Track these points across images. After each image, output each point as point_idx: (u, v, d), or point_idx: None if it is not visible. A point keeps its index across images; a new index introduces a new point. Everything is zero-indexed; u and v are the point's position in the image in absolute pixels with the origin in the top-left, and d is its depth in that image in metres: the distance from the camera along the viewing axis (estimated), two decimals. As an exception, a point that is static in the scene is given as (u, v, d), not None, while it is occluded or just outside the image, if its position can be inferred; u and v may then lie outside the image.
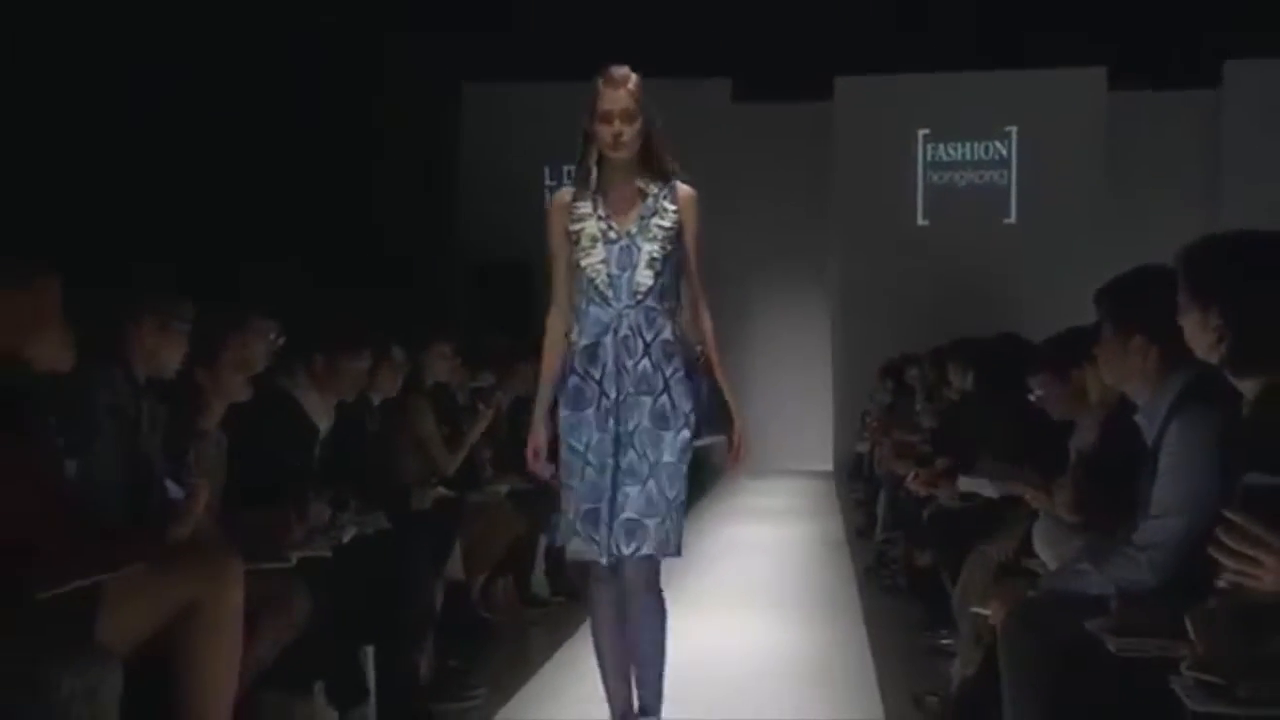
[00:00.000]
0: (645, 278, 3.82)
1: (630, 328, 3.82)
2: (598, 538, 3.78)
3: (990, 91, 13.82)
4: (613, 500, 3.78)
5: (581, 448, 3.82)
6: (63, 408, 3.33)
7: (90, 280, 3.54)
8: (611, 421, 3.80)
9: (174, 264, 4.02)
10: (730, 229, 14.14)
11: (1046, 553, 3.94)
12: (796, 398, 14.93)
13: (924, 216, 14.08)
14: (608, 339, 3.82)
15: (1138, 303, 3.38)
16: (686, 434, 3.87)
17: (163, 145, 7.93)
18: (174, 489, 3.65)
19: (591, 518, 3.80)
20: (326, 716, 4.24)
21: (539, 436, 3.92)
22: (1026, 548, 4.13)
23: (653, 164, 3.88)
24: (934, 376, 8.18)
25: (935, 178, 14.08)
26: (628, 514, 3.78)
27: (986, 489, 4.89)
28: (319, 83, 10.41)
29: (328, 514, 4.28)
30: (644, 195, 3.87)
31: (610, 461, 3.79)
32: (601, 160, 3.86)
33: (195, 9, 8.03)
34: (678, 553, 3.91)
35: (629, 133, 3.79)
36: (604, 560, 3.81)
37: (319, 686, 4.19)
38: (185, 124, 8.27)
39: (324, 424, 4.75)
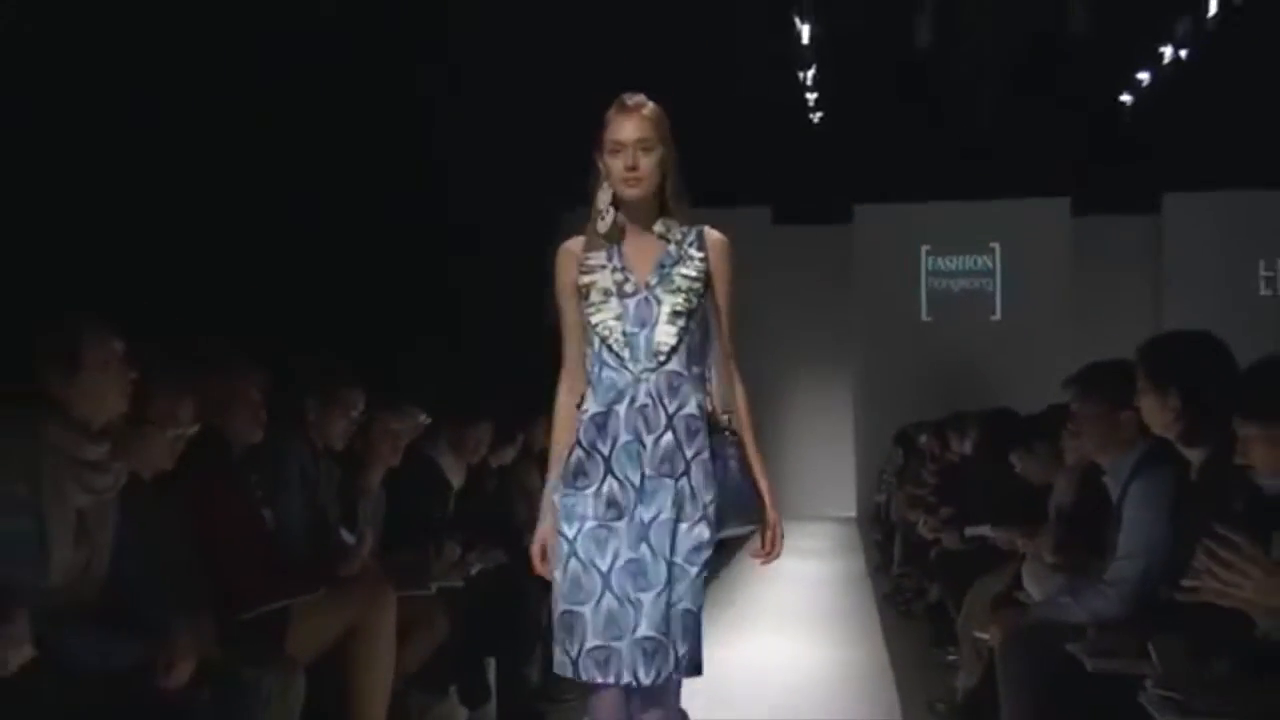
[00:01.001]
0: (667, 336, 2.55)
1: (650, 395, 2.54)
2: (570, 651, 2.48)
3: (979, 216, 13.75)
4: (623, 612, 2.47)
5: (571, 535, 2.51)
6: (261, 470, 3.41)
7: (276, 366, 3.60)
8: (615, 510, 2.51)
9: (347, 355, 4.05)
10: (768, 328, 14.17)
11: (1034, 588, 3.88)
12: (826, 458, 14.77)
13: (927, 314, 13.99)
14: (621, 407, 2.54)
15: (1094, 394, 3.37)
16: (704, 531, 2.55)
17: (331, 247, 7.66)
18: (345, 535, 3.70)
19: (567, 624, 2.49)
20: (458, 714, 4.25)
21: (543, 529, 2.62)
22: (1017, 583, 4.07)
23: (675, 204, 2.66)
24: (938, 442, 8.09)
25: (936, 283, 14.00)
26: (644, 631, 2.46)
27: (989, 534, 4.83)
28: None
29: (458, 553, 4.31)
30: (666, 241, 2.64)
31: (609, 560, 2.49)
32: (616, 201, 2.63)
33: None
34: (699, 671, 2.56)
35: (646, 165, 2.57)
36: (609, 680, 2.47)
37: (453, 689, 4.21)
38: (347, 232, 7.97)
39: (457, 481, 4.79)
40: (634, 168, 2.56)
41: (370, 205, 8.30)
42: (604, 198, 2.63)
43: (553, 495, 2.59)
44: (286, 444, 3.54)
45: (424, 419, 4.41)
